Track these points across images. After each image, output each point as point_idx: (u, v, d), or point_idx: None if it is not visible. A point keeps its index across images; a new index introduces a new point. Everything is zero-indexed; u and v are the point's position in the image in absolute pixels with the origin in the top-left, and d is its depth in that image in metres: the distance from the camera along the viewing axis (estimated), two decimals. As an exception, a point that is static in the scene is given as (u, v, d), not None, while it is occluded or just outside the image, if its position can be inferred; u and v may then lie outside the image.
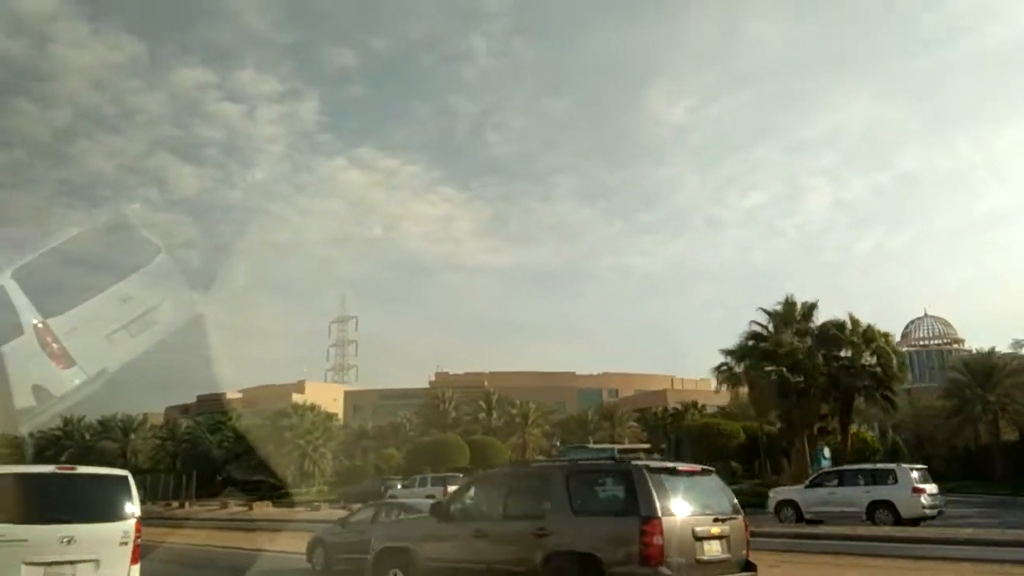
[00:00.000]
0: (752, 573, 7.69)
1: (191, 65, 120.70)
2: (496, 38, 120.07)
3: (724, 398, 77.39)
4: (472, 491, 9.27)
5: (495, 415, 66.80)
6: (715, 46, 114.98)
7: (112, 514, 8.29)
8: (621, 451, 50.75)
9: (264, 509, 37.36)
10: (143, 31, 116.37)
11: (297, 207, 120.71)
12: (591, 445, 56.79)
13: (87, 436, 70.13)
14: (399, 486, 41.53)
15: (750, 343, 32.54)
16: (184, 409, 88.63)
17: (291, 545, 16.79)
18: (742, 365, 33.16)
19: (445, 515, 8.93)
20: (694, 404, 62.41)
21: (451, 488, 36.56)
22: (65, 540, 7.76)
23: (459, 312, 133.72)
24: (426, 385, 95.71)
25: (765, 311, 32.81)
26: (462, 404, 68.10)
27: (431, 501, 20.01)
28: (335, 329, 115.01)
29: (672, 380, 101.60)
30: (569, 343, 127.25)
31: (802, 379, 29.29)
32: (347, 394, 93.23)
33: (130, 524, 8.34)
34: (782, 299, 32.80)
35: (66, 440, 70.84)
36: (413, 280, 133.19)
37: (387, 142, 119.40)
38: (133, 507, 8.46)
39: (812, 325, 31.61)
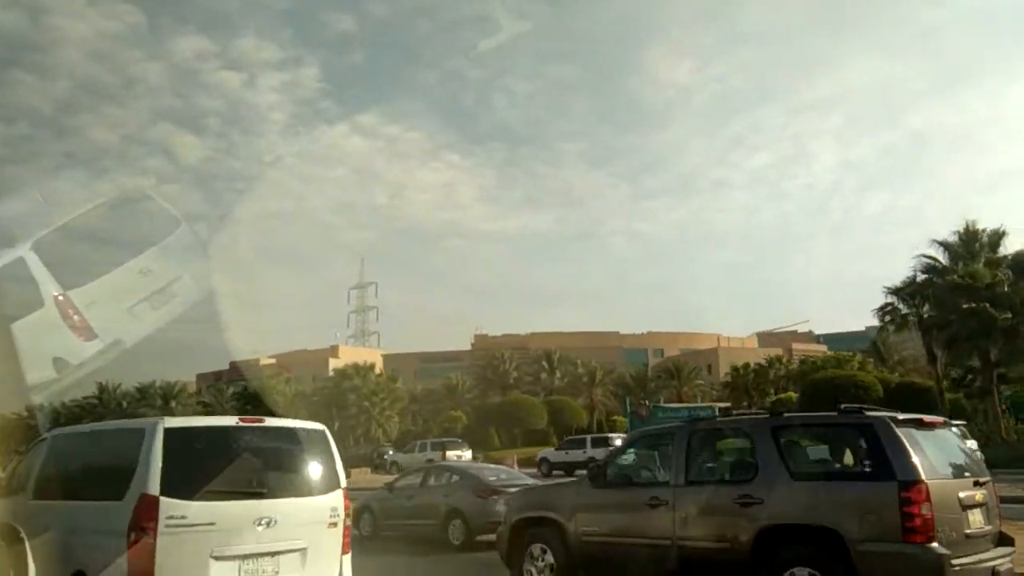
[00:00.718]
0: (1012, 548, 6.23)
1: (189, 33, 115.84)
2: (496, 3, 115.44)
3: (773, 354, 74.42)
4: (634, 451, 8.05)
5: (558, 375, 63.24)
6: (713, 6, 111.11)
7: (317, 484, 6.20)
8: (722, 411, 47.27)
9: (364, 476, 33.78)
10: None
11: (300, 175, 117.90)
12: (665, 404, 53.35)
13: (124, 404, 66.59)
14: (391, 452, 41.16)
15: (923, 278, 28.37)
16: (217, 376, 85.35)
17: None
18: (906, 305, 28.99)
19: (602, 480, 7.55)
20: (778, 358, 58.57)
21: (450, 453, 36.73)
22: (263, 523, 5.66)
23: (471, 277, 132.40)
24: (466, 347, 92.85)
25: (938, 242, 28.66)
26: (521, 364, 64.43)
27: (480, 464, 18.44)
28: (354, 295, 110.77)
29: (718, 338, 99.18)
30: (582, 306, 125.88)
31: (1009, 315, 25.17)
32: (386, 357, 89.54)
33: (338, 497, 6.24)
34: (960, 227, 28.52)
35: (102, 408, 67.43)
36: (420, 247, 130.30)
37: (391, 108, 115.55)
38: (340, 473, 6.38)
39: (1002, 255, 27.43)
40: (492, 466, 16.34)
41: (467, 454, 38.68)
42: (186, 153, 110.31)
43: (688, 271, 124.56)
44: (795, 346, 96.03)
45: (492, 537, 9.18)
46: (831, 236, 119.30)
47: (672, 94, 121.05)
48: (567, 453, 32.52)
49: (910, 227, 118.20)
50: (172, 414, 65.06)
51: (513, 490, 10.56)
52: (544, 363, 63.80)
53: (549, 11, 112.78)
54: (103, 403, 67.64)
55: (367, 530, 13.34)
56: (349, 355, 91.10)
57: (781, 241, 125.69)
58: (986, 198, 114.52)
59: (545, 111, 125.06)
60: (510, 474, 13.65)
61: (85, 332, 7.56)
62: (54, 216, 7.91)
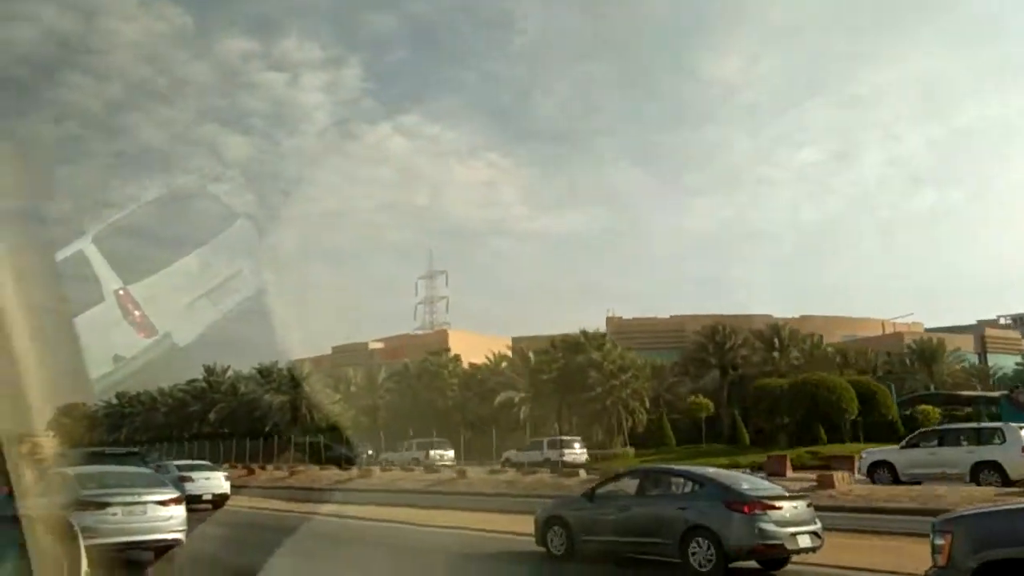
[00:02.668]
0: None
1: (235, 35, 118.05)
2: (537, 1, 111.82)
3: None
4: None
5: (794, 353, 50.00)
6: (760, 2, 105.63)
7: None
8: None
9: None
10: (188, 1, 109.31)
11: (346, 174, 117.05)
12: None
13: (241, 388, 53.43)
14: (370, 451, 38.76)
15: None
16: (316, 362, 73.09)
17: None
18: None
19: None
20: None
21: (434, 453, 34.77)
22: None
23: (515, 275, 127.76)
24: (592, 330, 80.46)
25: None
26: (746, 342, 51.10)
27: (714, 469, 13.51)
28: (423, 286, 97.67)
29: (883, 324, 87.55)
30: (625, 303, 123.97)
31: None
32: (515, 340, 76.48)
33: None
34: None
35: (212, 393, 54.34)
36: (463, 245, 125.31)
37: (432, 108, 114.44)
38: None
39: None
40: (730, 472, 12.69)
41: (449, 453, 36.01)
42: (233, 153, 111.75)
43: (740, 265, 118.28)
44: (989, 331, 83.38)
45: (752, 564, 9.00)
46: (880, 232, 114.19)
47: (718, 91, 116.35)
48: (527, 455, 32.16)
49: (961, 223, 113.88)
50: (304, 398, 51.68)
51: (793, 504, 9.43)
52: (775, 340, 50.46)
53: (591, 8, 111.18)
54: (212, 387, 54.55)
55: (560, 547, 11.05)
56: (460, 340, 78.73)
57: (826, 237, 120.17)
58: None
59: (586, 110, 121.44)
60: (753, 482, 10.97)
61: (146, 328, 7.20)
62: (101, 215, 7.85)
